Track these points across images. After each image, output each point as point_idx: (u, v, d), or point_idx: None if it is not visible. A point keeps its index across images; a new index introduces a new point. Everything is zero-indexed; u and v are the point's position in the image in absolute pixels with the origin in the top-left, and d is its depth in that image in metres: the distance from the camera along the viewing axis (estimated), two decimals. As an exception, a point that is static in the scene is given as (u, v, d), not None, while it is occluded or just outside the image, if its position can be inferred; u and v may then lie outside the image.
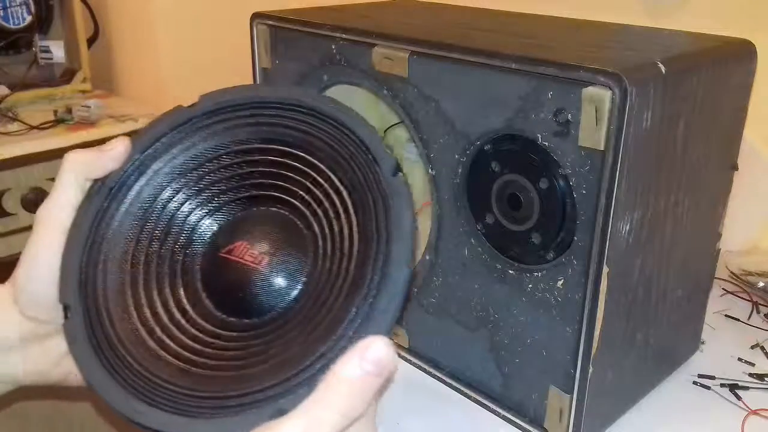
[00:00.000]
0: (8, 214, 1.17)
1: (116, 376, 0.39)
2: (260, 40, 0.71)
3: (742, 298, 0.79)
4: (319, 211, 0.42)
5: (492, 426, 0.59)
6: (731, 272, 0.83)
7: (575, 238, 0.50)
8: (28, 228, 1.30)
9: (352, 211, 0.40)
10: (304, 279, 0.41)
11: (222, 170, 0.45)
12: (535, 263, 0.53)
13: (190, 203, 0.45)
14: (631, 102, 0.44)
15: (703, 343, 0.69)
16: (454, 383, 0.63)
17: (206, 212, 0.46)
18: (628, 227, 0.49)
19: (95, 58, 1.48)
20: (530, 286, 0.54)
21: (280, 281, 0.41)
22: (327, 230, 0.41)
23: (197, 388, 0.38)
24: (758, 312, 0.77)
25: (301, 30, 0.66)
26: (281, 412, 0.34)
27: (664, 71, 0.47)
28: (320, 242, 0.41)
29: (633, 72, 0.45)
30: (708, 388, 0.64)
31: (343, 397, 0.32)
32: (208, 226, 0.45)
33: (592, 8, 0.97)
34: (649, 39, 0.60)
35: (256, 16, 0.70)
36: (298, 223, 0.43)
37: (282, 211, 0.44)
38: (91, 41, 1.47)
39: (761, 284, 0.80)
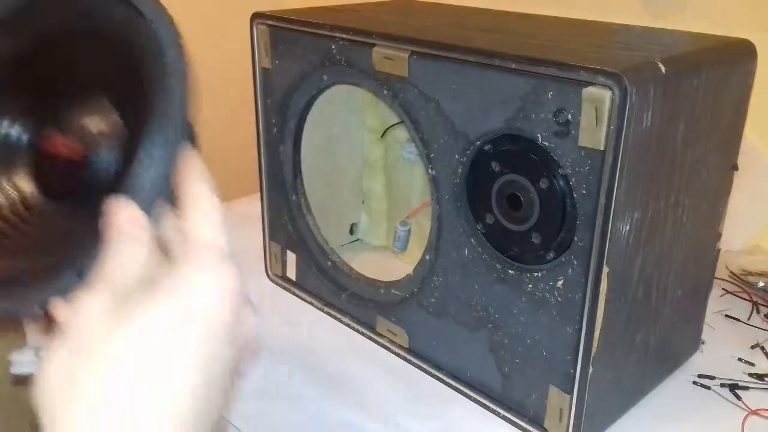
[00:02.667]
0: (8, 214, 1.17)
1: None
2: (260, 40, 0.71)
3: (742, 298, 0.79)
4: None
5: (492, 426, 0.59)
6: (731, 272, 0.83)
7: (575, 238, 0.50)
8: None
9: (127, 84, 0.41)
10: (109, 158, 0.43)
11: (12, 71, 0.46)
12: (535, 263, 0.53)
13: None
14: (631, 102, 0.44)
15: (703, 343, 0.69)
16: (454, 383, 0.63)
17: (16, 111, 0.47)
18: (628, 227, 0.49)
19: (95, 58, 1.48)
20: (530, 286, 0.54)
21: (91, 165, 0.43)
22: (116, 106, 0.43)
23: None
24: (758, 312, 0.77)
25: (301, 30, 0.66)
26: (80, 275, 0.37)
27: (664, 71, 0.47)
28: (119, 118, 0.43)
29: (633, 72, 0.45)
30: (708, 388, 0.64)
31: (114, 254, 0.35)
32: (19, 126, 0.47)
33: (592, 8, 0.97)
34: (649, 39, 0.60)
35: (256, 16, 0.70)
36: (95, 99, 0.44)
37: (76, 90, 0.45)
38: (91, 41, 1.47)
39: (761, 284, 0.80)
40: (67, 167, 0.45)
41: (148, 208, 0.37)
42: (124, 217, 0.36)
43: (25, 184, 0.47)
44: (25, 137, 0.47)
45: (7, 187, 0.47)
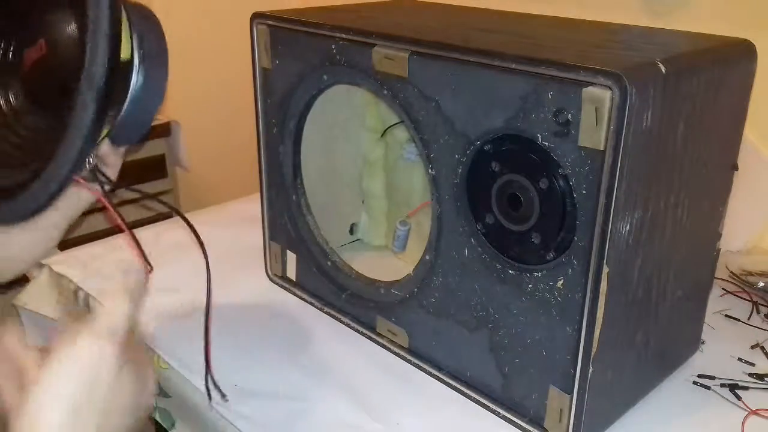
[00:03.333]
0: (8, 214, 1.17)
1: None
2: (260, 40, 0.71)
3: (742, 298, 0.79)
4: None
5: (492, 426, 0.59)
6: (731, 272, 0.83)
7: (575, 238, 0.50)
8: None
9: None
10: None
11: None
12: (535, 263, 0.53)
13: None
14: (631, 102, 0.44)
15: (703, 343, 0.69)
16: (454, 383, 0.63)
17: None
18: (628, 227, 0.49)
19: (95, 58, 1.48)
20: (530, 286, 0.54)
21: (57, 55, 0.50)
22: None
23: None
24: (758, 312, 0.77)
25: (301, 30, 0.66)
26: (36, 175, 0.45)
27: (664, 71, 0.47)
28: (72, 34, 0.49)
29: (633, 72, 0.45)
30: (708, 388, 0.64)
31: None
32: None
33: (592, 8, 0.97)
34: (649, 39, 0.60)
35: (256, 16, 0.70)
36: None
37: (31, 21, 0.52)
38: (91, 41, 1.47)
39: (761, 284, 0.80)
40: (41, 66, 0.50)
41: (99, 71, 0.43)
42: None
43: (17, 100, 0.53)
44: (9, 56, 0.54)
45: (3, 104, 0.53)
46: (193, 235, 0.58)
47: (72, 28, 0.49)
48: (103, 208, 0.52)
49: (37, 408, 0.42)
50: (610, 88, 0.45)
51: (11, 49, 0.54)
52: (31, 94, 0.53)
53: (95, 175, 0.49)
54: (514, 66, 0.50)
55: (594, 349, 0.51)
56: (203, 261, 0.60)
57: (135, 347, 0.46)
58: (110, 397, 0.44)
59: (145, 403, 0.47)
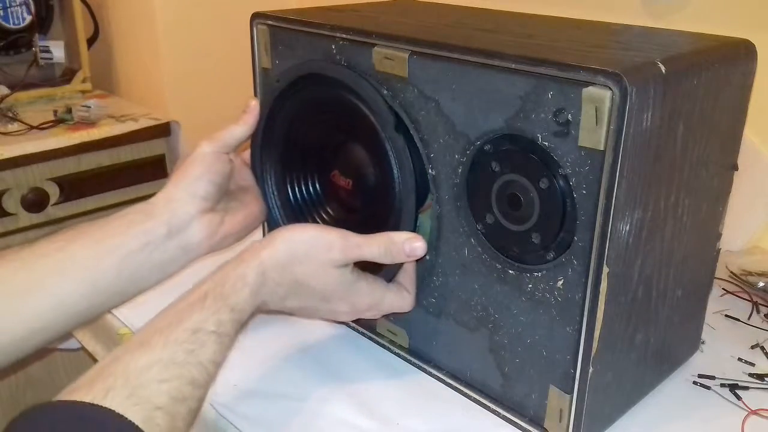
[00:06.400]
0: (8, 214, 1.17)
1: None
2: (260, 40, 0.71)
3: (742, 298, 0.79)
4: (366, 151, 0.65)
5: (492, 426, 0.59)
6: (731, 272, 0.83)
7: (575, 238, 0.50)
8: (29, 228, 1.30)
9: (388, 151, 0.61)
10: (369, 192, 0.66)
11: (307, 126, 0.69)
12: (535, 263, 0.53)
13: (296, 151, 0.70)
14: (631, 102, 0.44)
15: (703, 343, 0.69)
16: (454, 383, 0.63)
17: (316, 154, 0.70)
18: (628, 227, 0.49)
19: (95, 58, 1.48)
20: (530, 286, 0.54)
21: (360, 195, 0.67)
22: (376, 168, 0.64)
23: None
24: (758, 312, 0.77)
25: (301, 30, 0.66)
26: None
27: (664, 71, 0.47)
28: (372, 174, 0.65)
29: (633, 72, 0.45)
30: (708, 388, 0.64)
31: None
32: (316, 163, 0.71)
33: (592, 8, 0.97)
34: (649, 39, 0.60)
35: (256, 16, 0.70)
36: (363, 154, 0.65)
37: (350, 145, 0.67)
38: (91, 41, 1.47)
39: (761, 284, 0.80)
40: (346, 192, 0.68)
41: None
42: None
43: (332, 210, 0.71)
44: (318, 186, 0.72)
45: (324, 215, 0.71)
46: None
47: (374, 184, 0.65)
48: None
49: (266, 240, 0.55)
50: (610, 88, 0.45)
51: (317, 181, 0.72)
52: (341, 204, 0.71)
53: None
54: (514, 66, 0.50)
55: (594, 349, 0.51)
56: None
57: (376, 279, 0.61)
58: (316, 280, 0.56)
59: (363, 308, 0.60)
